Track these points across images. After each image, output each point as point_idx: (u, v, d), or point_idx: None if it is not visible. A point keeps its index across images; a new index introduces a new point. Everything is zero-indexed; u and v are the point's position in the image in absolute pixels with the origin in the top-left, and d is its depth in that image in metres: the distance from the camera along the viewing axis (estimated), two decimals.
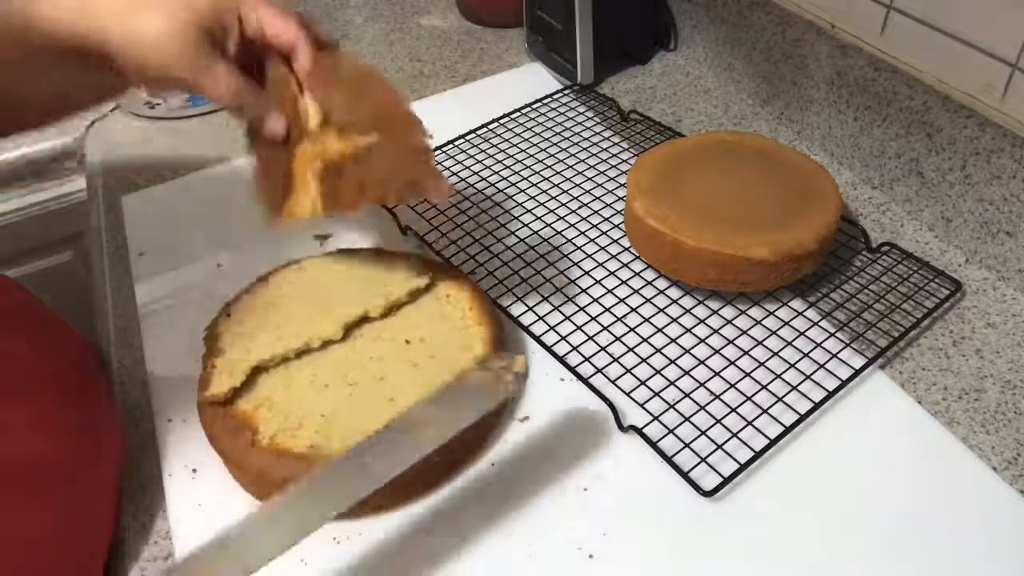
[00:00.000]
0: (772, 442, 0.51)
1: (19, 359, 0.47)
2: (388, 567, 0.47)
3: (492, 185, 0.75)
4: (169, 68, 0.44)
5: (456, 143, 0.80)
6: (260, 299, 0.58)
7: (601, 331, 0.60)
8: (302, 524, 0.38)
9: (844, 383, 0.54)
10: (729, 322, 0.60)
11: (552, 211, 0.71)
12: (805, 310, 0.60)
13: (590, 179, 0.75)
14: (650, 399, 0.54)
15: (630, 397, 0.55)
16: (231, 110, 0.50)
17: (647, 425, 0.53)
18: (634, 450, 0.52)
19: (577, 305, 0.62)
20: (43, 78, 0.45)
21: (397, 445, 0.40)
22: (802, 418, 0.52)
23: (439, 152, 0.79)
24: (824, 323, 0.59)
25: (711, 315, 0.61)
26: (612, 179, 0.75)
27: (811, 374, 0.55)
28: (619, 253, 0.66)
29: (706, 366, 0.57)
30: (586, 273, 0.65)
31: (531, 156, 0.78)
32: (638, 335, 0.59)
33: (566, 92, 0.87)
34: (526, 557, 0.47)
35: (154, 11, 0.43)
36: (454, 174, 0.76)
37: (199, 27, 0.44)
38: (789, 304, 0.61)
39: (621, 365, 0.57)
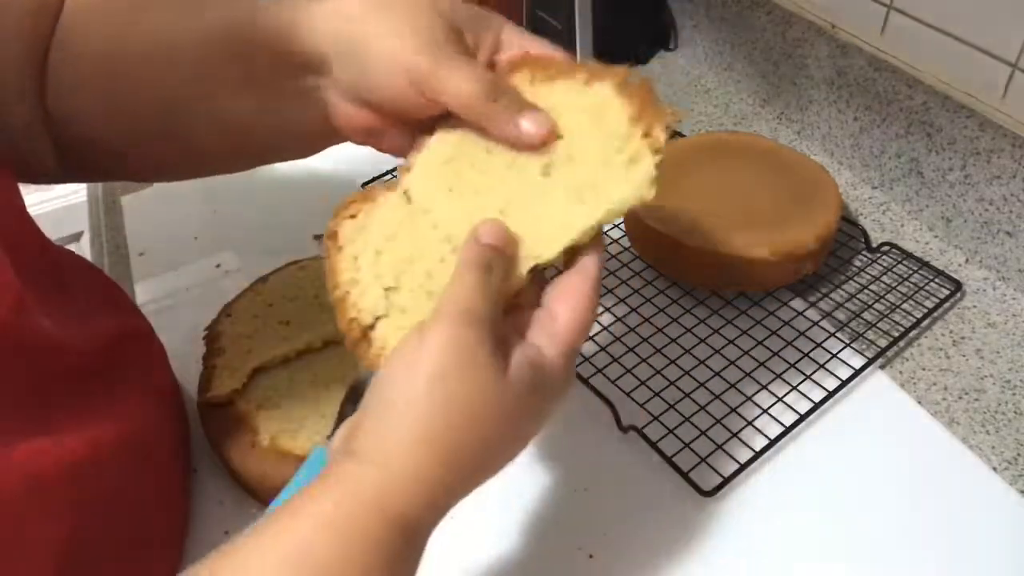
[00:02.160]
0: (772, 442, 0.51)
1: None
2: None
3: None
4: (406, 56, 0.38)
5: None
6: (260, 299, 0.58)
7: (601, 331, 0.60)
8: None
9: (844, 383, 0.54)
10: (729, 322, 0.60)
11: None
12: (805, 310, 0.60)
13: None
14: (650, 399, 0.54)
15: (630, 397, 0.55)
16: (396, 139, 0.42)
17: (647, 425, 0.53)
18: (634, 450, 0.52)
19: None
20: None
21: None
22: (802, 418, 0.52)
23: None
24: (824, 323, 0.59)
25: (711, 315, 0.61)
26: None
27: (811, 374, 0.55)
28: (619, 253, 0.66)
29: (706, 366, 0.57)
30: None
31: None
32: (638, 335, 0.59)
33: None
34: (526, 557, 0.47)
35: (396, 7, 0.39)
36: None
37: (446, 23, 0.39)
38: (789, 304, 0.61)
39: (621, 365, 0.57)
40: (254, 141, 0.45)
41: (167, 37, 0.42)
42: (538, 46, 0.41)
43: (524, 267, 0.36)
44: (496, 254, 0.35)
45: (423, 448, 0.31)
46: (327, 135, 0.44)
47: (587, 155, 0.36)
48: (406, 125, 0.41)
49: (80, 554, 0.36)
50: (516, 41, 0.42)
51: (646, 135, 0.35)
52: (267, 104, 0.42)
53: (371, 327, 0.37)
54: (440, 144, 0.40)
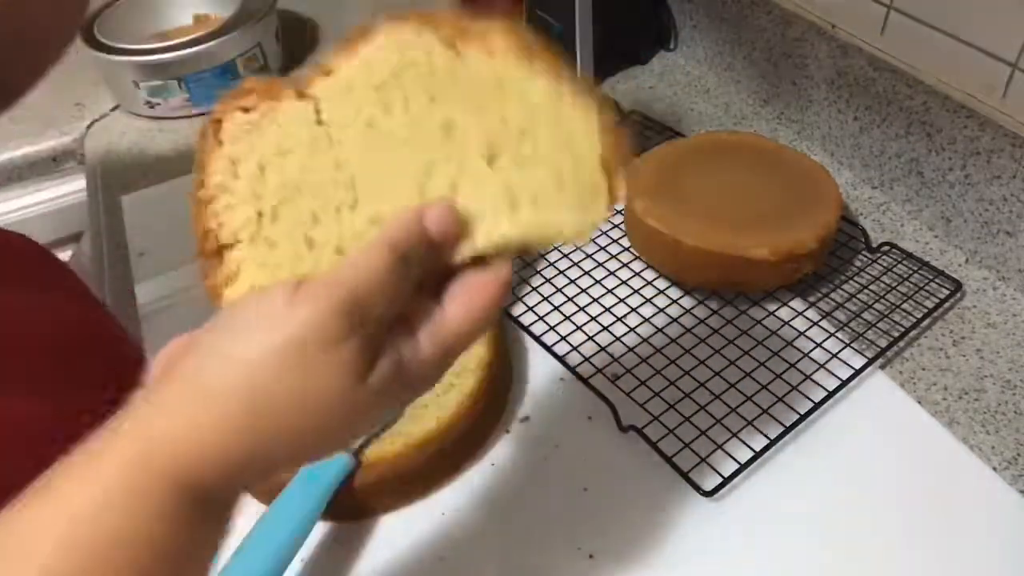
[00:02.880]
0: (772, 442, 0.51)
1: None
2: (388, 567, 0.47)
3: None
4: None
5: None
6: None
7: (601, 331, 0.60)
8: None
9: (844, 383, 0.54)
10: (729, 322, 0.60)
11: None
12: (805, 310, 0.60)
13: None
14: (650, 399, 0.54)
15: (630, 397, 0.55)
16: None
17: (647, 425, 0.53)
18: (634, 450, 0.52)
19: (577, 305, 0.62)
20: None
21: None
22: (802, 418, 0.52)
23: None
24: (824, 323, 0.59)
25: (711, 315, 0.61)
26: None
27: (811, 374, 0.55)
28: (619, 253, 0.66)
29: (706, 366, 0.57)
30: (586, 273, 0.65)
31: None
32: (638, 335, 0.59)
33: None
34: (526, 557, 0.47)
35: None
36: None
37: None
38: (789, 304, 0.61)
39: (621, 365, 0.57)
40: None
41: None
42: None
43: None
44: (427, 250, 0.31)
45: (242, 420, 0.27)
46: None
47: (541, 167, 0.32)
48: None
49: None
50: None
51: (610, 183, 0.31)
52: None
53: (228, 247, 0.33)
54: (377, 58, 0.33)
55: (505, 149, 0.32)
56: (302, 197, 0.32)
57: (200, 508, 0.27)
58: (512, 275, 0.32)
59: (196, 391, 0.27)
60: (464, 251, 0.31)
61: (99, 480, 0.26)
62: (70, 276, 0.55)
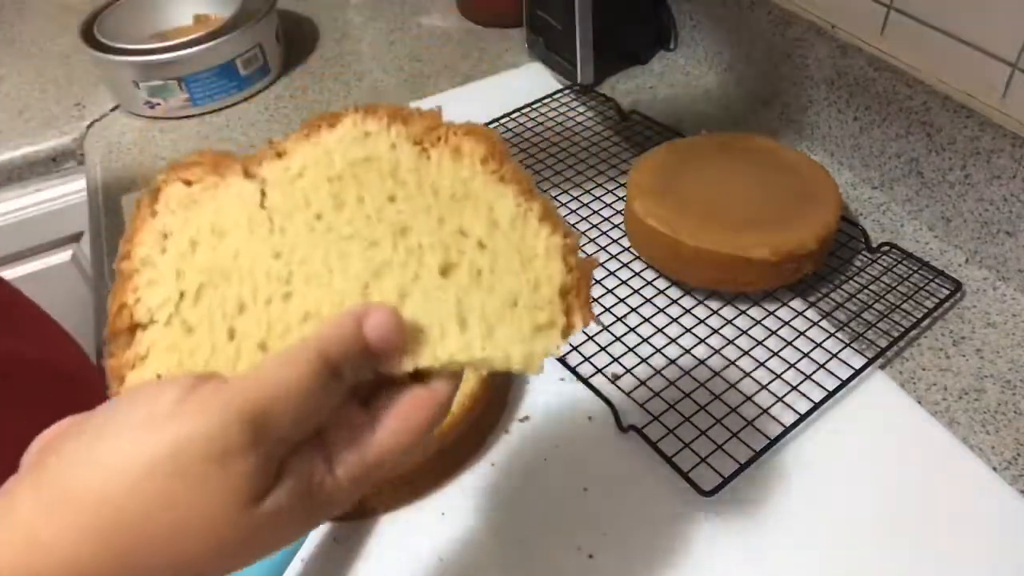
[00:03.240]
0: (772, 442, 0.51)
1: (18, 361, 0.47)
2: (388, 567, 0.47)
3: None
4: None
5: None
6: None
7: (601, 331, 0.60)
8: None
9: (844, 383, 0.54)
10: (729, 322, 0.60)
11: None
12: (805, 310, 0.60)
13: (590, 179, 0.75)
14: (650, 399, 0.54)
15: (630, 397, 0.55)
16: None
17: (647, 425, 0.53)
18: (634, 450, 0.52)
19: None
20: None
21: None
22: (802, 418, 0.52)
23: None
24: (824, 323, 0.59)
25: (711, 315, 0.61)
26: (612, 179, 0.75)
27: (811, 374, 0.55)
28: (619, 253, 0.66)
29: (706, 366, 0.57)
30: None
31: (531, 156, 0.78)
32: (638, 335, 0.59)
33: (566, 92, 0.87)
34: (526, 557, 0.47)
35: None
36: None
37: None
38: (789, 304, 0.61)
39: (621, 365, 0.57)
40: None
41: None
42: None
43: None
44: (365, 359, 0.27)
45: (97, 539, 0.23)
46: None
47: (498, 285, 0.30)
48: None
49: None
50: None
51: (567, 313, 0.30)
52: None
53: (142, 326, 0.29)
54: (340, 146, 0.32)
55: (462, 261, 0.30)
56: (230, 283, 0.30)
57: None
58: (452, 396, 0.29)
59: (44, 500, 0.23)
60: (404, 365, 0.28)
61: None
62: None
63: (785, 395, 0.54)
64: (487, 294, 0.30)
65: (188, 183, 0.31)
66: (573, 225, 0.70)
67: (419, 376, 0.28)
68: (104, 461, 0.23)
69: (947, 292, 0.60)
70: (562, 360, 0.57)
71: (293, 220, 0.30)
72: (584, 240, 0.68)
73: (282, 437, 0.25)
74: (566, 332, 0.30)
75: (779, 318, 0.60)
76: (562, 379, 0.57)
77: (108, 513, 0.23)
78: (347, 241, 0.30)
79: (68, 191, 0.93)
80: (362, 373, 0.27)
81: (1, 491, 0.24)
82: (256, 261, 0.30)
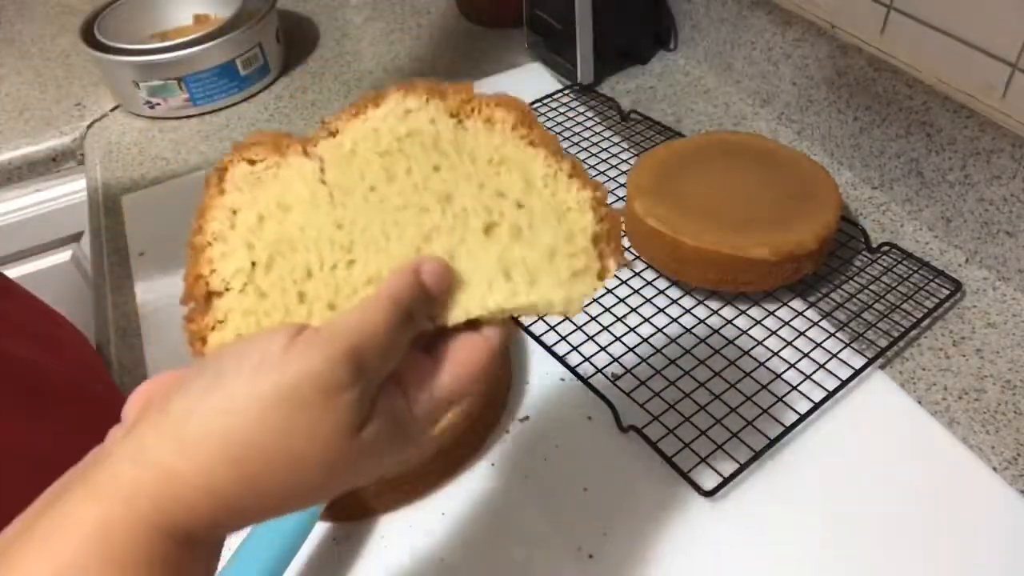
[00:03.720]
0: (772, 442, 0.51)
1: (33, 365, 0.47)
2: (388, 567, 0.47)
3: None
4: None
5: None
6: None
7: (601, 331, 0.60)
8: None
9: (844, 383, 0.54)
10: (729, 322, 0.60)
11: None
12: (805, 310, 0.60)
13: None
14: (650, 399, 0.54)
15: (630, 397, 0.55)
16: None
17: (647, 425, 0.53)
18: (634, 450, 0.52)
19: None
20: None
21: None
22: (802, 418, 0.52)
23: None
24: (824, 323, 0.59)
25: (711, 315, 0.61)
26: (612, 179, 0.75)
27: (811, 374, 0.55)
28: None
29: (706, 366, 0.57)
30: None
31: None
32: (638, 335, 0.59)
33: (566, 92, 0.87)
34: (526, 557, 0.47)
35: None
36: None
37: None
38: (789, 304, 0.61)
39: (621, 365, 0.57)
40: None
41: None
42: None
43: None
44: (427, 303, 0.31)
45: (231, 468, 0.26)
46: None
47: (536, 239, 0.33)
48: None
49: None
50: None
51: (601, 258, 0.33)
52: None
53: (218, 294, 0.32)
54: (385, 123, 0.34)
55: (502, 221, 0.33)
56: (297, 252, 0.32)
57: (188, 551, 0.26)
58: (503, 342, 0.32)
59: (175, 439, 0.26)
60: (458, 315, 0.31)
61: (80, 534, 0.24)
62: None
63: (785, 395, 0.54)
64: (527, 248, 0.33)
65: (252, 163, 0.34)
66: None
67: (473, 325, 0.32)
68: (228, 401, 0.26)
69: (947, 292, 0.60)
70: (562, 360, 0.57)
71: (351, 193, 0.33)
72: None
73: (375, 372, 0.28)
74: (601, 275, 0.33)
75: (779, 318, 0.60)
76: (562, 379, 0.57)
77: (238, 444, 0.26)
78: (400, 210, 0.33)
79: (68, 191, 0.93)
80: (425, 317, 0.31)
81: (116, 441, 0.27)
82: (320, 232, 0.33)
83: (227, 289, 0.32)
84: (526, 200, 0.33)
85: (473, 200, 0.33)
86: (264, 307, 0.32)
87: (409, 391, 0.30)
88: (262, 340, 0.27)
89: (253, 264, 0.32)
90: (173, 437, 0.26)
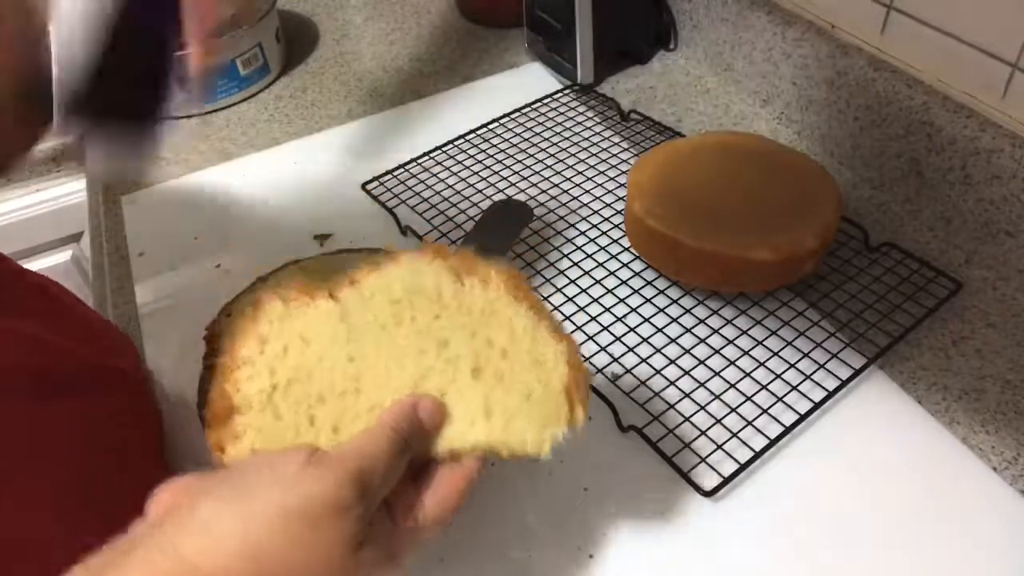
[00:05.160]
0: (772, 442, 0.51)
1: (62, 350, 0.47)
2: None
3: (492, 185, 0.75)
4: None
5: (456, 143, 0.80)
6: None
7: (601, 331, 0.60)
8: None
9: (844, 383, 0.54)
10: (729, 322, 0.60)
11: (552, 211, 0.71)
12: (805, 310, 0.60)
13: (590, 179, 0.75)
14: (650, 399, 0.54)
15: (630, 397, 0.55)
16: None
17: (647, 425, 0.53)
18: (634, 450, 0.52)
19: (577, 305, 0.62)
20: None
21: None
22: (802, 418, 0.52)
23: (439, 152, 0.79)
24: (824, 323, 0.59)
25: (711, 315, 0.61)
26: (612, 179, 0.75)
27: (811, 374, 0.55)
28: (619, 253, 0.66)
29: (706, 366, 0.57)
30: (586, 273, 0.65)
31: (531, 156, 0.78)
32: (638, 335, 0.59)
33: (566, 92, 0.87)
34: (526, 557, 0.47)
35: None
36: (454, 174, 0.76)
37: None
38: (789, 304, 0.61)
39: (621, 365, 0.57)
40: None
41: None
42: None
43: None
44: (422, 435, 0.36)
45: (247, 566, 0.29)
46: None
47: (516, 384, 0.38)
48: None
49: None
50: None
51: (571, 407, 0.38)
52: None
53: (239, 411, 0.37)
54: (399, 279, 0.40)
55: (488, 366, 0.38)
56: (313, 379, 0.37)
57: None
58: (480, 471, 0.37)
59: (201, 539, 0.29)
60: (442, 447, 0.36)
61: None
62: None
63: (785, 395, 0.54)
64: (507, 392, 0.38)
65: (284, 301, 0.39)
66: (573, 225, 0.70)
67: (454, 455, 0.37)
68: (249, 511, 0.30)
69: (947, 292, 0.60)
70: None
71: (364, 333, 0.39)
72: (584, 240, 0.68)
73: (376, 494, 0.32)
74: (570, 422, 0.38)
75: (779, 318, 0.60)
76: None
77: (254, 550, 0.29)
78: (403, 350, 0.38)
79: (68, 191, 0.93)
80: (417, 447, 0.35)
81: (142, 536, 0.30)
82: (335, 363, 0.38)
83: (248, 407, 0.37)
84: (510, 349, 0.39)
85: (465, 347, 0.39)
86: (278, 426, 0.37)
87: (396, 517, 0.34)
88: (281, 459, 0.32)
89: (274, 387, 0.37)
90: (199, 537, 0.29)
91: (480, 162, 0.78)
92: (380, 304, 0.39)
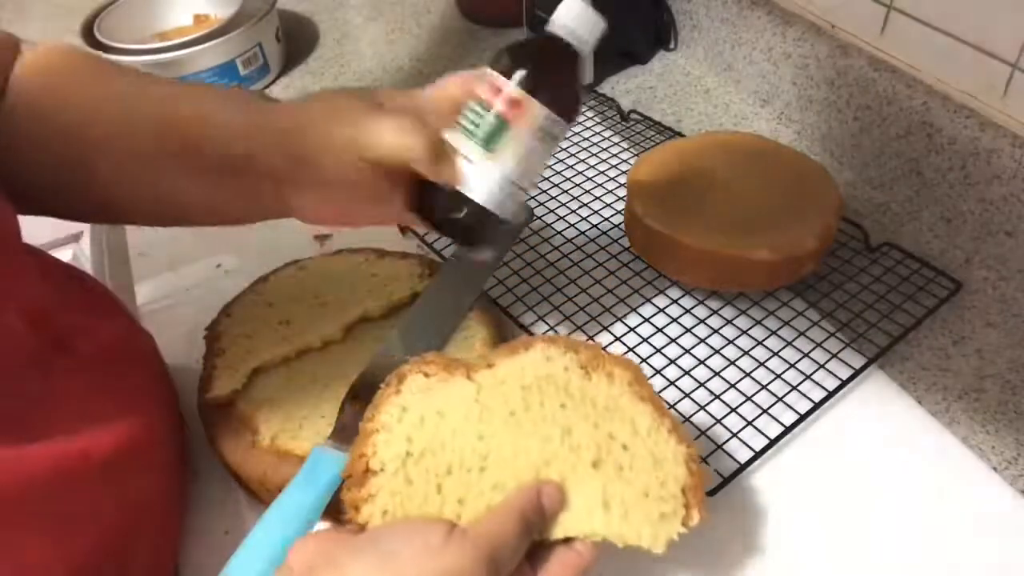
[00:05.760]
0: (772, 442, 0.51)
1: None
2: None
3: None
4: (409, 149, 0.43)
5: None
6: (260, 299, 0.58)
7: (601, 331, 0.60)
8: None
9: (844, 383, 0.54)
10: (729, 322, 0.60)
11: (552, 211, 0.71)
12: (805, 310, 0.60)
13: (590, 179, 0.75)
14: None
15: None
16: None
17: None
18: None
19: (577, 305, 0.62)
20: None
21: None
22: (802, 418, 0.52)
23: None
24: (824, 323, 0.59)
25: (711, 315, 0.61)
26: (612, 179, 0.75)
27: (811, 374, 0.55)
28: (619, 253, 0.66)
29: (706, 366, 0.57)
30: (586, 273, 0.65)
31: None
32: (638, 335, 0.59)
33: None
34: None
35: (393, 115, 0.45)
36: None
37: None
38: (789, 304, 0.61)
39: None
40: (200, 217, 0.50)
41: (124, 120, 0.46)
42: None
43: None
44: (544, 521, 0.38)
45: None
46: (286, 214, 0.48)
47: (635, 480, 0.39)
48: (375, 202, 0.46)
49: (75, 562, 0.37)
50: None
51: (687, 507, 0.39)
52: (216, 197, 0.47)
53: (374, 472, 0.39)
54: (529, 364, 0.42)
55: (608, 458, 0.40)
56: (445, 452, 0.39)
57: None
58: (594, 559, 0.39)
59: None
60: (558, 532, 0.38)
61: None
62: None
63: (785, 395, 0.54)
64: (626, 485, 0.39)
65: (426, 375, 0.42)
66: (573, 225, 0.70)
67: (567, 540, 0.39)
68: (398, 573, 0.33)
69: (947, 292, 0.60)
70: None
71: (495, 413, 0.41)
72: (584, 240, 0.68)
73: (504, 572, 0.35)
74: (685, 522, 0.39)
75: (779, 318, 0.60)
76: None
77: None
78: (529, 434, 0.40)
79: None
80: (538, 531, 0.37)
81: None
82: (466, 439, 0.40)
83: (382, 470, 0.39)
84: (631, 444, 0.40)
85: (588, 437, 0.40)
86: (409, 491, 0.39)
87: None
88: (424, 529, 0.35)
89: (408, 454, 0.39)
90: None
91: None
92: (512, 388, 0.41)
